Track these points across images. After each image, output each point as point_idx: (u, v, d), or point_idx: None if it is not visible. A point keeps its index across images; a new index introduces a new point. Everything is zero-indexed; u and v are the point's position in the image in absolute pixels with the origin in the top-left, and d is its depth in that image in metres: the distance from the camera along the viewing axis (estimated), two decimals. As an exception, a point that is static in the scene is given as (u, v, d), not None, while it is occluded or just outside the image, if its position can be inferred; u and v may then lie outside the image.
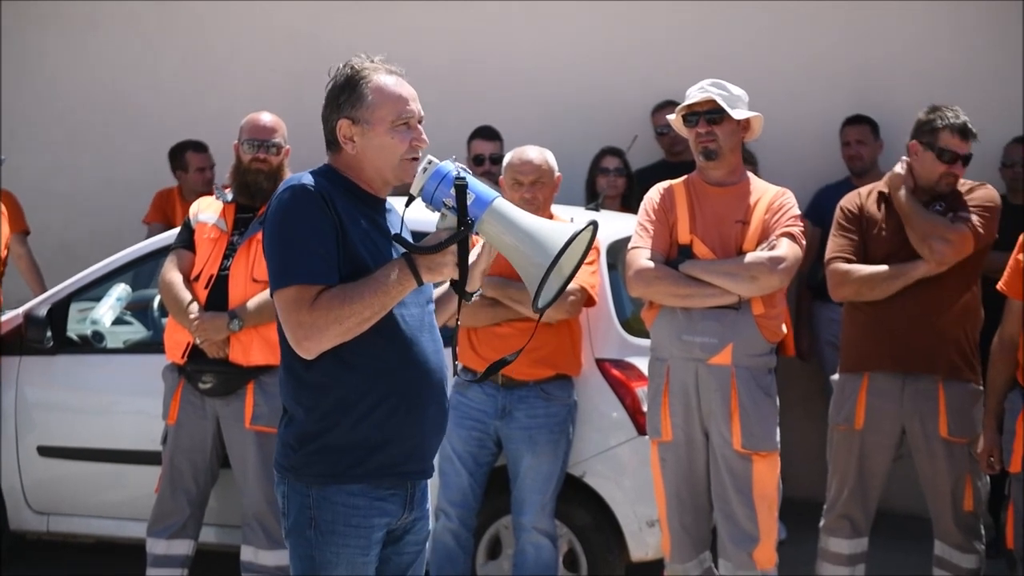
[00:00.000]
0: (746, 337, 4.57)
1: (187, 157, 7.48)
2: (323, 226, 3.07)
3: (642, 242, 4.67)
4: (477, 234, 3.05)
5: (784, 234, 4.56)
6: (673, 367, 4.66)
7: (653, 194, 4.77)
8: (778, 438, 4.67)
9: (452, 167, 3.05)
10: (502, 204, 3.03)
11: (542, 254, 2.96)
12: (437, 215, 3.06)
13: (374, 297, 3.04)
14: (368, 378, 3.12)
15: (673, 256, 4.63)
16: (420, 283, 3.08)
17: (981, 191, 4.86)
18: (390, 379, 3.13)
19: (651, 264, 4.61)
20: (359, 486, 3.14)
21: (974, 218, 4.75)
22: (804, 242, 4.65)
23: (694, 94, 4.64)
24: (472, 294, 3.16)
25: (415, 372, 3.17)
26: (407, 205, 3.15)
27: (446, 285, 3.36)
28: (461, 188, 3.01)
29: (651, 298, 4.70)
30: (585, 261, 4.86)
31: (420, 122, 3.19)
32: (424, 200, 3.06)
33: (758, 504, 4.60)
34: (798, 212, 4.66)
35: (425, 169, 3.05)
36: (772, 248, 4.54)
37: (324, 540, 3.16)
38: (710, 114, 4.59)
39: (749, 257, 4.54)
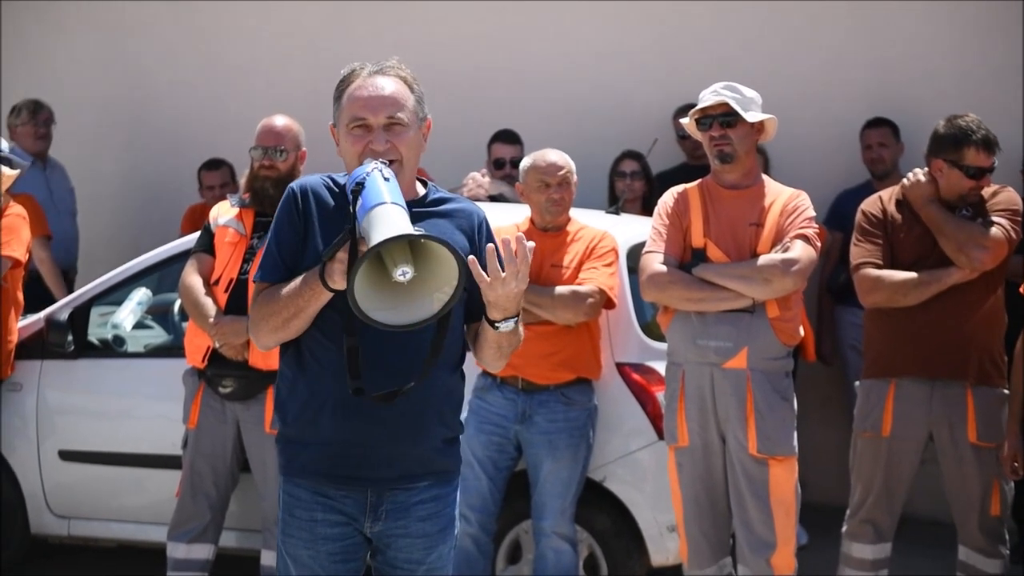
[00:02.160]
0: (761, 340, 4.55)
1: (200, 176, 7.52)
2: (285, 224, 3.12)
3: (656, 246, 4.66)
4: (361, 238, 2.88)
5: (798, 236, 4.54)
6: (688, 372, 4.65)
7: (667, 198, 4.75)
8: (796, 442, 4.64)
9: (369, 168, 2.95)
10: (383, 210, 2.82)
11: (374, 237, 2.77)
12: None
13: (288, 299, 3.03)
14: (314, 377, 3.11)
15: (687, 260, 4.62)
16: (329, 289, 2.97)
17: (1004, 195, 4.81)
18: (335, 382, 3.07)
19: (664, 268, 4.59)
20: (302, 480, 3.15)
21: (1005, 222, 4.71)
22: (819, 244, 4.63)
23: (707, 98, 4.62)
24: (496, 323, 3.01)
25: (367, 379, 3.03)
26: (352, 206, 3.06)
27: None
28: (355, 192, 2.92)
29: (665, 302, 4.69)
30: (604, 263, 4.95)
31: (395, 127, 3.08)
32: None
33: (775, 509, 4.57)
34: (813, 214, 4.64)
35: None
36: (786, 250, 4.52)
37: (280, 529, 3.21)
38: (724, 117, 4.57)
39: (762, 260, 4.52)
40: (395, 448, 3.13)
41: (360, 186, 2.90)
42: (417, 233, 2.77)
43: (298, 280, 3.04)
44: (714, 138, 4.60)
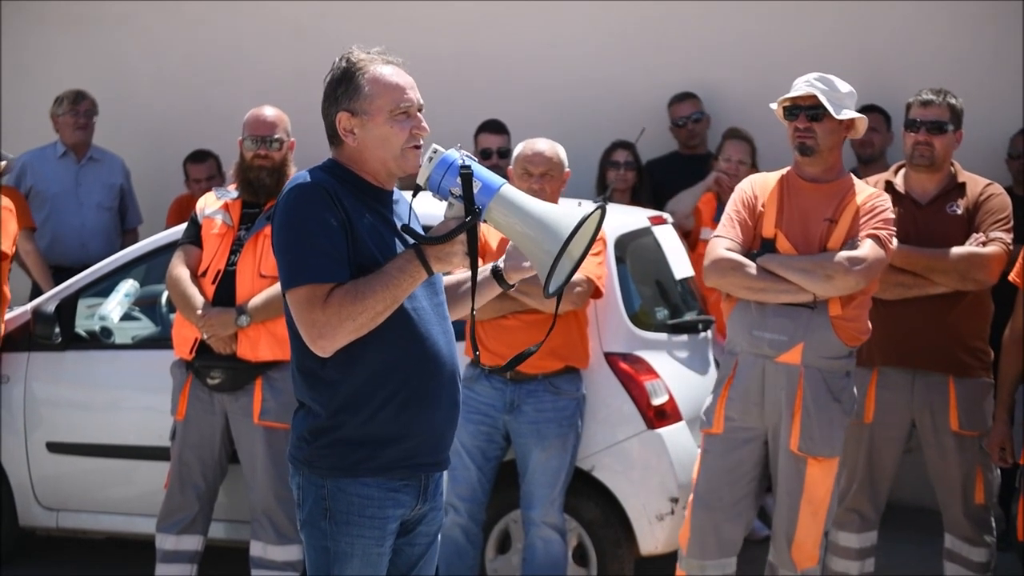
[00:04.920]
0: (819, 337, 4.45)
1: (187, 168, 7.48)
2: (330, 223, 3.06)
3: (725, 231, 4.59)
4: (485, 221, 3.03)
5: (869, 235, 4.44)
6: (741, 362, 4.57)
7: (745, 184, 4.68)
8: (840, 443, 4.53)
9: (457, 155, 3.03)
10: (509, 191, 3.03)
11: (552, 239, 2.94)
12: (445, 204, 3.06)
13: (385, 291, 3.03)
14: (379, 374, 3.12)
15: (755, 249, 4.55)
16: (430, 273, 3.07)
17: (996, 201, 4.78)
18: (401, 374, 3.13)
19: (728, 255, 4.52)
20: (373, 479, 3.14)
21: (1003, 235, 4.70)
22: (890, 246, 4.49)
23: (799, 87, 4.52)
24: (513, 283, 3.27)
25: (427, 366, 3.16)
26: (414, 195, 3.16)
27: (460, 275, 3.37)
28: (467, 176, 3.00)
29: (725, 289, 4.61)
30: (592, 252, 4.94)
31: (420, 110, 3.17)
32: (431, 189, 3.06)
33: (803, 507, 4.51)
34: (892, 216, 4.53)
35: (431, 158, 3.04)
36: (854, 248, 4.42)
37: (339, 531, 3.15)
38: (811, 110, 4.48)
39: (828, 255, 4.43)
40: (452, 428, 3.26)
41: (468, 168, 3.00)
42: (594, 209, 3.00)
43: (390, 269, 3.04)
44: (798, 129, 4.51)
